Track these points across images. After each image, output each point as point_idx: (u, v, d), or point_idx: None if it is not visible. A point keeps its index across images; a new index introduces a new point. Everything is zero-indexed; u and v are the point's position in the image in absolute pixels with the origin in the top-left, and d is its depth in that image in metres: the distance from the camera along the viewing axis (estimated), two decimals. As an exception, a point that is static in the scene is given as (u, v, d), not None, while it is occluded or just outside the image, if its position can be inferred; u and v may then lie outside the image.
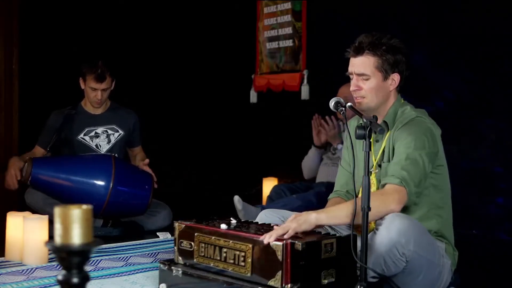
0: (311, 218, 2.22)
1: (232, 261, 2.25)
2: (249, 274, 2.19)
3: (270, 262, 2.13)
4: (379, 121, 2.47)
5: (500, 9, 3.49)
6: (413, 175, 2.30)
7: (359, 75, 2.44)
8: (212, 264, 2.32)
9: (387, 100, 2.49)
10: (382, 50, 2.41)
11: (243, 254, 2.21)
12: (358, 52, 2.44)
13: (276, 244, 2.12)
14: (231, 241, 2.26)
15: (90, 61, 3.84)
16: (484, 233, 3.52)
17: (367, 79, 2.43)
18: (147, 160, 3.86)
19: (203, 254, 2.35)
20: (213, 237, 2.32)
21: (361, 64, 2.43)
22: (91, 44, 5.32)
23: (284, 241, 2.11)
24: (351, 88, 2.47)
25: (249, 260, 2.19)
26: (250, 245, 2.19)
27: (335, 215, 2.28)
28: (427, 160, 2.35)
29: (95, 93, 3.82)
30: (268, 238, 2.14)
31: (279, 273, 2.10)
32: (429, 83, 3.69)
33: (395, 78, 2.46)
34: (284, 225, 2.21)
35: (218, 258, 2.29)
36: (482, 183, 3.60)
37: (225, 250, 2.27)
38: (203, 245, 2.35)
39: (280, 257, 2.10)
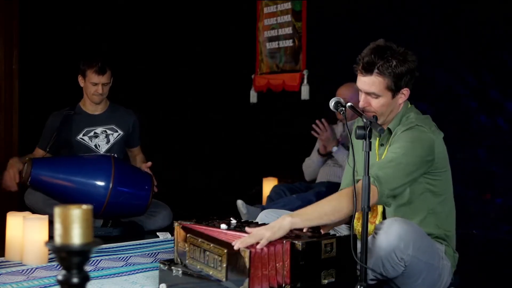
0: (285, 224, 2.14)
1: (212, 265, 2.18)
2: (224, 280, 2.12)
3: (241, 268, 2.04)
4: (385, 127, 2.47)
5: (498, 6, 3.50)
6: (392, 177, 2.26)
7: (368, 93, 2.41)
8: (198, 267, 2.27)
9: (396, 110, 2.48)
10: (392, 70, 2.35)
11: (220, 258, 2.14)
12: (367, 71, 2.37)
13: (244, 250, 2.03)
14: (211, 244, 2.18)
15: (89, 57, 3.86)
16: (484, 233, 3.52)
17: (376, 97, 2.40)
18: (149, 163, 3.86)
19: (192, 256, 2.31)
20: (199, 240, 2.27)
21: (370, 84, 2.38)
22: (91, 44, 5.32)
23: (251, 249, 2.02)
24: (361, 104, 2.43)
25: (224, 265, 2.12)
26: (225, 250, 2.11)
27: (309, 217, 2.21)
28: (414, 167, 2.32)
29: (96, 88, 3.82)
30: (238, 244, 2.06)
31: (246, 280, 2.02)
32: (428, 81, 3.68)
33: (405, 92, 2.43)
34: (257, 232, 2.11)
35: (202, 261, 2.24)
36: (482, 183, 3.59)
37: (207, 253, 2.21)
38: (192, 246, 2.31)
39: (247, 264, 2.01)
